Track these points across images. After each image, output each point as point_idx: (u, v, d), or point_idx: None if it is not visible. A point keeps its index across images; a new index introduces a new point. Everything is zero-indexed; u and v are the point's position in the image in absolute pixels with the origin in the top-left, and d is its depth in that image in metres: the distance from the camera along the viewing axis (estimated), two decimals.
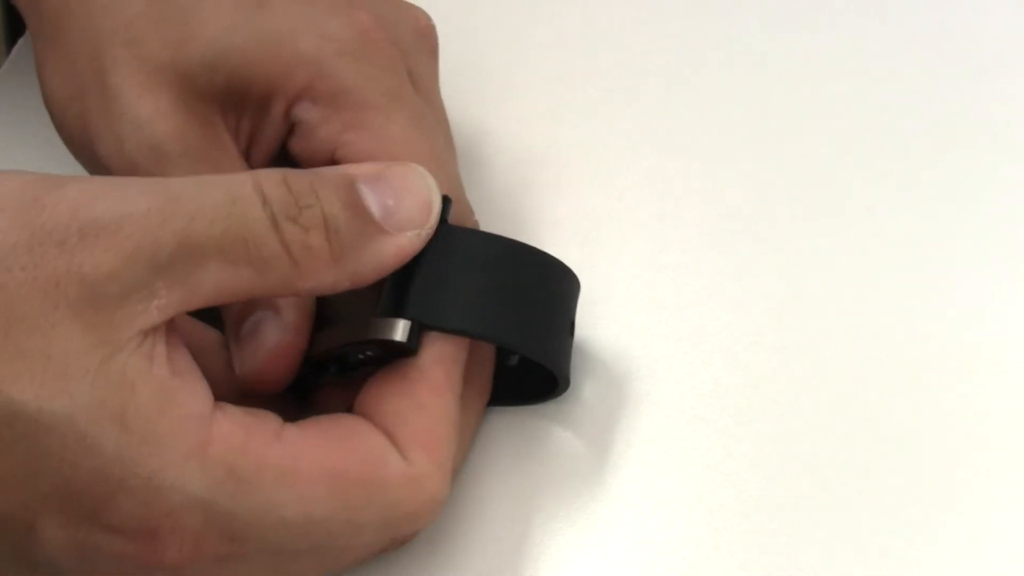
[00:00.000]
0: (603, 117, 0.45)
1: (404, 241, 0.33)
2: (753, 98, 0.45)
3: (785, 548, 0.35)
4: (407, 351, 0.33)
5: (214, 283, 0.30)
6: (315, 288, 0.32)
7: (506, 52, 0.47)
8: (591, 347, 0.39)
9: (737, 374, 0.38)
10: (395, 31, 0.38)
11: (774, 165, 0.43)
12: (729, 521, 0.36)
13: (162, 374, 0.29)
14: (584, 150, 0.44)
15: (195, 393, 0.30)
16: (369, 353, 0.34)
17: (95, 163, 0.37)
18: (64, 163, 0.38)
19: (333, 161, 0.36)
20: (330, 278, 0.32)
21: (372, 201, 0.32)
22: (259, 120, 0.37)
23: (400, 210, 0.33)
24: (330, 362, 0.35)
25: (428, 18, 0.40)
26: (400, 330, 0.33)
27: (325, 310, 0.35)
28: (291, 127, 0.37)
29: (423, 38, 0.40)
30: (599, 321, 0.40)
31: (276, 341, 0.34)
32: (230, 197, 0.30)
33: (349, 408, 0.34)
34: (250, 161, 0.38)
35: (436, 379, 0.33)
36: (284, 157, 0.38)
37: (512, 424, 0.38)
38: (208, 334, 0.35)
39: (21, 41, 0.49)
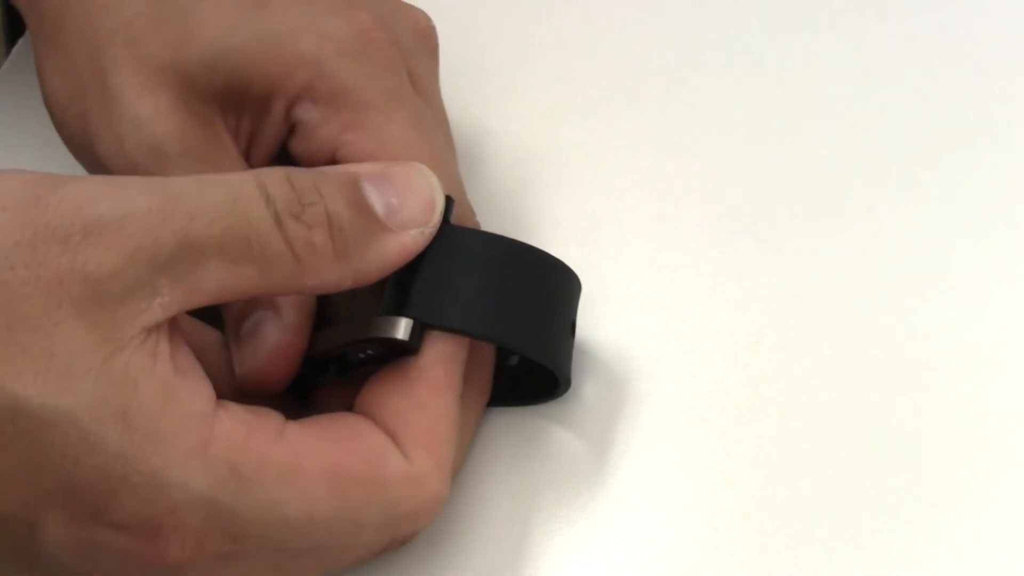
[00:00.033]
0: (603, 117, 0.45)
1: (407, 239, 0.33)
2: (753, 98, 0.45)
3: (785, 548, 0.35)
4: (409, 350, 0.33)
5: (216, 281, 0.30)
6: (318, 286, 0.32)
7: (506, 52, 0.47)
8: (591, 347, 0.39)
9: (737, 374, 0.38)
10: (395, 31, 0.38)
11: (774, 165, 0.43)
12: (729, 521, 0.36)
13: (165, 372, 0.29)
14: (584, 150, 0.44)
15: (197, 391, 0.30)
16: (370, 352, 0.34)
17: (95, 163, 0.37)
18: (64, 163, 0.38)
19: (333, 161, 0.36)
20: (333, 276, 0.32)
21: (376, 199, 0.32)
22: (259, 120, 0.37)
23: (403, 208, 0.33)
24: (330, 362, 0.35)
25: (428, 19, 0.40)
26: (402, 329, 0.33)
27: (325, 310, 0.35)
28: (291, 127, 0.37)
29: (423, 39, 0.40)
30: (599, 321, 0.40)
31: (276, 341, 0.34)
32: (231, 196, 0.30)
33: (349, 408, 0.34)
34: (250, 161, 0.38)
35: (437, 378, 0.33)
36: (284, 157, 0.38)
37: (512, 424, 0.38)
38: (208, 334, 0.35)
39: (21, 41, 0.49)
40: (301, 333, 0.34)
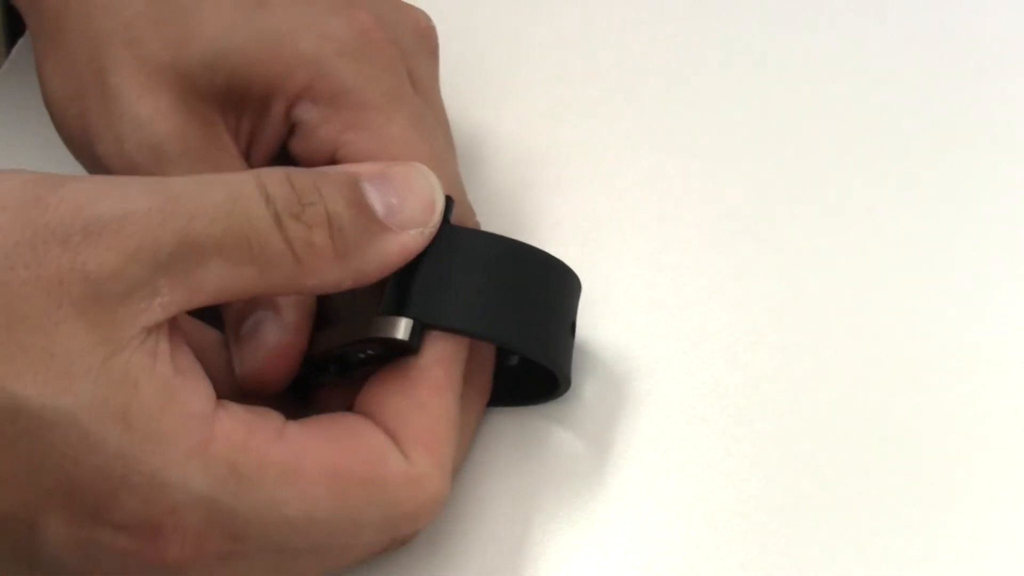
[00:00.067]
0: (603, 117, 0.45)
1: (407, 239, 0.33)
2: (753, 98, 0.45)
3: (785, 548, 0.35)
4: (409, 350, 0.33)
5: (216, 281, 0.30)
6: (318, 286, 0.32)
7: (506, 52, 0.47)
8: (591, 347, 0.39)
9: (737, 374, 0.38)
10: (395, 31, 0.38)
11: (774, 165, 0.43)
12: (729, 521, 0.36)
13: (165, 372, 0.29)
14: (584, 150, 0.44)
15: (197, 391, 0.30)
16: (370, 352, 0.34)
17: (95, 163, 0.37)
18: (64, 163, 0.38)
19: (333, 161, 0.36)
20: (333, 276, 0.32)
21: (376, 199, 0.32)
22: (259, 120, 0.37)
23: (403, 208, 0.33)
24: (330, 362, 0.35)
25: (428, 19, 0.40)
26: (402, 328, 0.33)
27: (325, 310, 0.35)
28: (291, 127, 0.37)
29: (423, 39, 0.40)
30: (599, 321, 0.40)
31: (276, 341, 0.34)
32: (231, 196, 0.30)
33: (349, 407, 0.34)
34: (250, 161, 0.38)
35: (437, 378, 0.33)
36: (284, 157, 0.38)
37: (512, 424, 0.38)
38: (208, 334, 0.35)
39: (21, 41, 0.49)
40: (301, 333, 0.34)
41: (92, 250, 0.28)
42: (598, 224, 0.42)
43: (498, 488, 0.37)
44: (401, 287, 0.33)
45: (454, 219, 0.35)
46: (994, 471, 0.36)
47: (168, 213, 0.29)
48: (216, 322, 0.35)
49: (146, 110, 0.35)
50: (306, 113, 0.36)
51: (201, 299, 0.30)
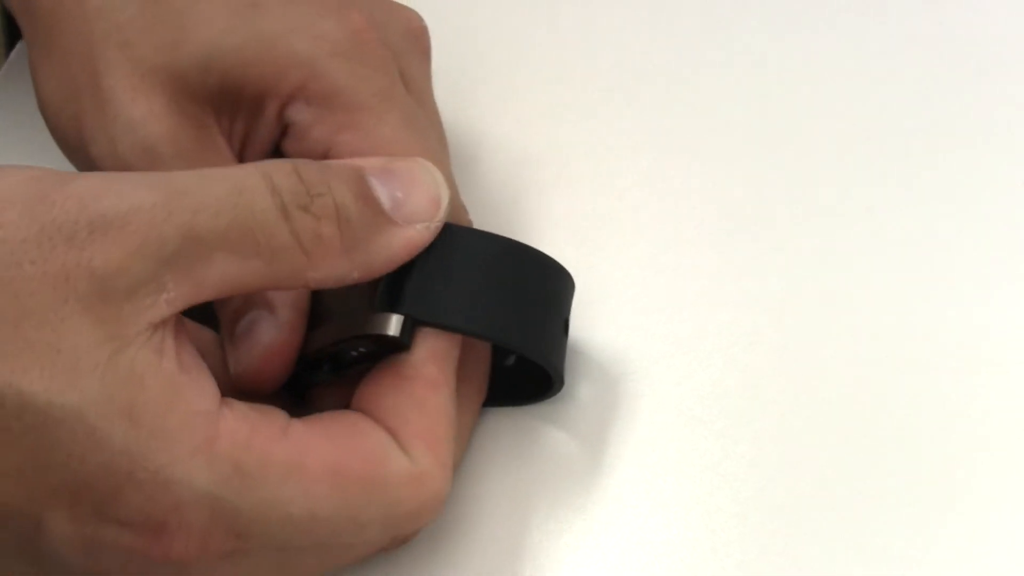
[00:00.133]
0: (603, 117, 0.45)
1: (413, 233, 0.33)
2: (753, 98, 0.45)
3: (783, 549, 0.35)
4: (400, 346, 0.33)
5: (221, 275, 0.30)
6: (324, 279, 0.32)
7: (506, 52, 0.47)
8: (589, 348, 0.39)
9: (735, 375, 0.38)
10: (387, 32, 0.38)
11: (774, 165, 0.43)
12: (727, 522, 0.36)
13: (170, 369, 0.29)
14: (584, 150, 0.44)
15: (202, 388, 0.30)
16: (362, 350, 0.34)
17: (89, 165, 0.37)
18: (63, 165, 0.38)
19: None
20: (340, 269, 0.32)
21: (382, 193, 0.32)
22: (252, 121, 0.37)
23: (409, 202, 0.33)
24: (324, 360, 0.35)
25: (420, 20, 0.40)
26: (393, 325, 0.33)
27: (317, 309, 0.35)
28: (284, 128, 0.37)
29: (415, 39, 0.40)
30: (597, 321, 0.39)
31: (271, 339, 0.34)
32: (236, 188, 0.30)
33: (346, 407, 0.34)
34: (243, 163, 0.37)
35: (430, 375, 0.33)
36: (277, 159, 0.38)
37: (509, 425, 0.38)
38: (204, 334, 0.35)
39: (20, 43, 0.49)
40: (296, 331, 0.34)
41: (98, 246, 0.28)
42: (597, 224, 0.42)
43: (496, 489, 0.37)
44: (395, 284, 0.33)
45: (448, 217, 0.35)
46: (994, 471, 0.36)
47: (173, 208, 0.29)
48: (212, 322, 0.35)
49: (139, 112, 0.36)
50: (299, 114, 0.36)
51: (207, 293, 0.30)
